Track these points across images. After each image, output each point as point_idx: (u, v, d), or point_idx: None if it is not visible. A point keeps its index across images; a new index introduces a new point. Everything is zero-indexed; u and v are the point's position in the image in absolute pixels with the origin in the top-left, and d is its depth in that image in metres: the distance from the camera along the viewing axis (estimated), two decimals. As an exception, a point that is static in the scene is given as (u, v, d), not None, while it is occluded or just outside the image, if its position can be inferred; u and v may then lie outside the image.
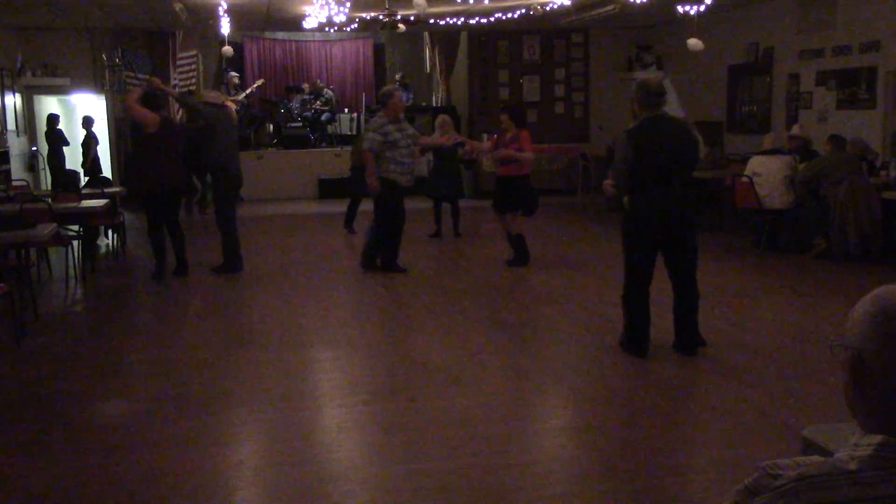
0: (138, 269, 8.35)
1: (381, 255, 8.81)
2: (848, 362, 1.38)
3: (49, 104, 15.55)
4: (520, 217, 8.87)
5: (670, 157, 5.45)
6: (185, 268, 8.74)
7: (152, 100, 8.66)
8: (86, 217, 8.92)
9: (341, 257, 10.20)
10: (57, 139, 14.18)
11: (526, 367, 5.64)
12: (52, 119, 14.25)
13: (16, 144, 13.81)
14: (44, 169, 14.75)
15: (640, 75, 16.43)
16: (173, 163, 8.54)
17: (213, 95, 9.38)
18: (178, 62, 15.72)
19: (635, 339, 5.66)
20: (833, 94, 11.55)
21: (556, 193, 15.89)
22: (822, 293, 7.75)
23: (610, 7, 12.82)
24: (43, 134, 14.56)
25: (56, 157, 14.14)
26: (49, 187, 13.53)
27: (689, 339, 5.64)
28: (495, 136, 9.36)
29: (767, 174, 9.36)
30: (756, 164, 9.55)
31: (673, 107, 5.94)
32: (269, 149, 16.60)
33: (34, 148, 14.73)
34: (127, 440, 4.42)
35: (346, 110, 17.40)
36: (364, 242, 9.04)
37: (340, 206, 14.44)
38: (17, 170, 13.42)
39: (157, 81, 9.23)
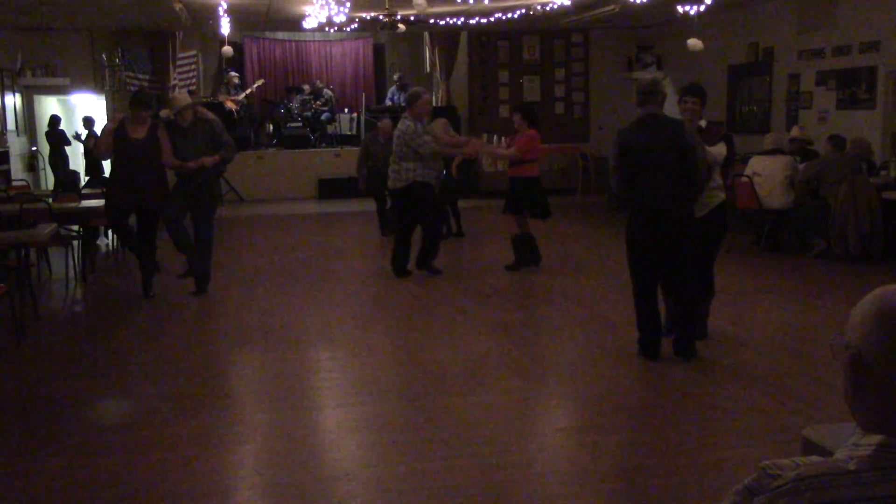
0: (138, 269, 8.31)
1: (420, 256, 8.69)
2: (848, 362, 1.38)
3: (49, 104, 15.56)
4: (525, 218, 8.78)
5: (654, 156, 5.39)
6: (150, 288, 7.79)
7: (140, 99, 7.72)
8: (86, 217, 8.91)
9: (341, 257, 10.20)
10: (59, 139, 14.20)
11: (526, 367, 5.64)
12: (54, 120, 14.28)
13: (16, 144, 13.83)
14: (44, 169, 14.77)
15: (640, 75, 16.47)
16: (153, 179, 7.55)
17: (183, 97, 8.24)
18: (178, 62, 15.73)
19: (642, 341, 5.62)
20: (833, 94, 11.55)
21: (556, 193, 15.90)
22: (822, 293, 7.75)
23: (610, 7, 12.83)
24: (44, 134, 14.58)
25: (59, 157, 14.16)
26: (48, 187, 13.56)
27: (680, 342, 5.58)
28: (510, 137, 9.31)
29: (767, 174, 9.36)
30: (756, 164, 9.55)
31: (671, 107, 5.87)
32: (269, 149, 16.60)
33: (34, 148, 14.75)
34: (127, 440, 4.42)
35: (346, 110, 17.40)
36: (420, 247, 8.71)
37: (340, 207, 14.48)
38: (17, 170, 13.44)
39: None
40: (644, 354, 5.60)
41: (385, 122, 11.40)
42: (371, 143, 11.35)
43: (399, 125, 8.48)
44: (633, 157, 5.48)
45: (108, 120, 9.37)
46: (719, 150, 5.85)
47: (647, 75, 5.71)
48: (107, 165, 14.84)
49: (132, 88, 14.48)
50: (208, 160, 7.58)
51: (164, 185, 7.72)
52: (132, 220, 7.80)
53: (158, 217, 7.71)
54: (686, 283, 5.56)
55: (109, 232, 11.08)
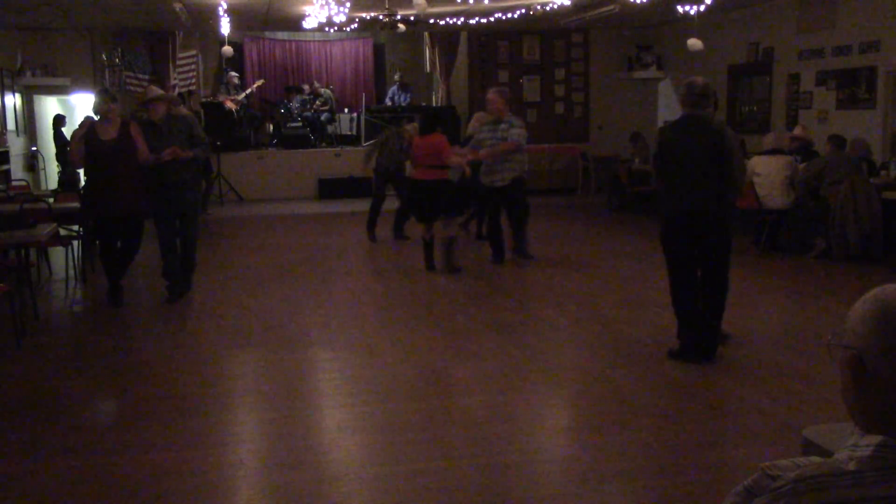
0: (137, 269, 8.31)
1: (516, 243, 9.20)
2: (848, 363, 1.38)
3: (49, 104, 15.55)
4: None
5: (692, 157, 5.39)
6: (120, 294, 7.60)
7: (103, 92, 7.46)
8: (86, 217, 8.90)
9: (341, 257, 10.20)
10: (62, 140, 14.22)
11: (526, 367, 5.64)
12: (58, 120, 14.29)
13: (16, 144, 13.82)
14: (44, 169, 14.76)
15: (640, 75, 16.48)
16: (130, 182, 7.22)
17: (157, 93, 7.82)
18: (178, 62, 15.72)
19: (687, 344, 5.53)
20: (833, 94, 11.55)
21: (556, 193, 15.90)
22: (822, 293, 7.75)
23: (610, 7, 12.82)
24: (51, 135, 14.59)
25: (64, 157, 14.18)
26: (49, 187, 13.56)
27: (706, 343, 5.55)
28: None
29: (768, 174, 9.36)
30: (756, 164, 9.54)
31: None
32: (269, 149, 16.60)
33: (34, 148, 14.74)
34: (127, 440, 4.42)
35: (346, 110, 17.41)
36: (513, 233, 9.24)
37: (340, 206, 14.47)
38: (17, 170, 13.43)
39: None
40: (689, 358, 5.47)
41: (413, 126, 11.18)
42: (392, 139, 10.86)
43: None
44: (669, 155, 5.49)
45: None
46: (748, 170, 5.92)
47: (700, 78, 5.70)
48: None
49: (132, 88, 14.48)
50: (182, 152, 7.28)
51: (142, 188, 7.34)
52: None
53: (142, 220, 7.52)
54: (722, 282, 5.54)
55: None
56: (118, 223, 7.41)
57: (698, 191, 5.40)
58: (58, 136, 14.18)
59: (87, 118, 7.48)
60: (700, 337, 5.54)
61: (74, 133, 7.54)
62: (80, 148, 7.25)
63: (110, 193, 7.22)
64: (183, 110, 7.77)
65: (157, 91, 7.74)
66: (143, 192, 7.37)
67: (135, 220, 7.45)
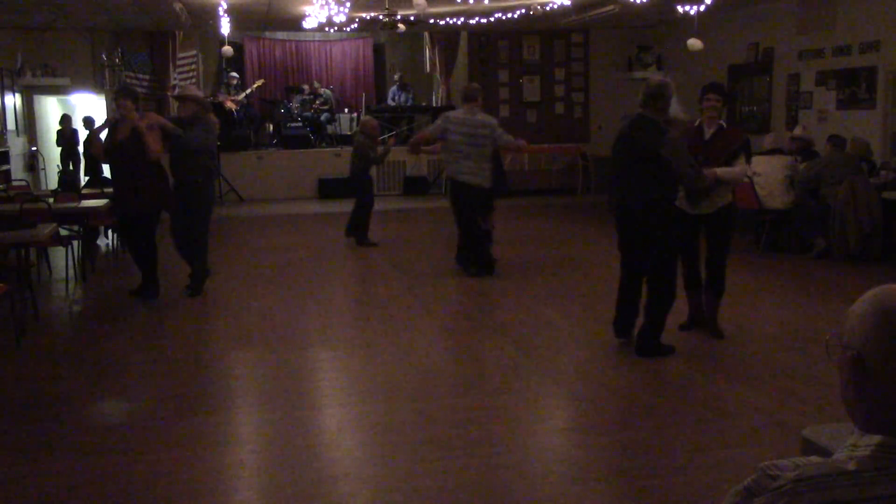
0: (134, 268, 8.29)
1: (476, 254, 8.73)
2: (848, 363, 1.38)
3: (49, 104, 15.56)
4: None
5: (628, 155, 5.57)
6: (156, 290, 7.73)
7: (122, 90, 7.70)
8: (86, 217, 8.91)
9: (341, 257, 10.20)
10: (71, 139, 14.24)
11: (526, 367, 5.64)
12: (66, 119, 14.32)
13: (16, 144, 13.82)
14: (44, 169, 14.77)
15: (640, 75, 16.47)
16: (146, 180, 7.33)
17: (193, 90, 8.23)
18: (178, 62, 15.73)
19: (615, 321, 5.90)
20: (833, 94, 11.55)
21: (556, 193, 15.90)
22: (822, 293, 7.75)
23: (610, 7, 12.83)
24: (54, 135, 14.61)
25: (72, 157, 14.19)
26: (49, 187, 13.56)
27: (638, 340, 5.71)
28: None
29: (767, 174, 9.36)
30: (756, 164, 9.53)
31: (673, 108, 5.89)
32: (269, 149, 16.60)
33: (34, 148, 14.74)
34: (127, 440, 4.42)
35: (346, 110, 17.41)
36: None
37: (340, 207, 14.46)
38: (17, 170, 13.43)
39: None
40: (614, 332, 5.89)
41: (367, 119, 11.03)
42: (359, 140, 10.74)
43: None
44: (616, 152, 5.72)
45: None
46: (741, 170, 5.98)
47: (656, 77, 5.76)
48: (106, 165, 14.91)
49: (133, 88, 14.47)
50: (162, 119, 7.57)
51: (159, 185, 7.44)
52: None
53: (155, 220, 7.67)
54: (659, 281, 5.59)
55: (109, 232, 11.08)
56: (133, 221, 7.59)
57: (628, 188, 5.58)
58: (66, 134, 14.22)
59: (110, 116, 7.83)
60: (640, 331, 5.74)
61: (97, 129, 7.85)
62: (99, 145, 7.64)
63: (126, 192, 7.46)
64: (212, 118, 8.06)
65: (193, 92, 8.01)
66: (162, 192, 7.51)
67: (148, 219, 7.56)
